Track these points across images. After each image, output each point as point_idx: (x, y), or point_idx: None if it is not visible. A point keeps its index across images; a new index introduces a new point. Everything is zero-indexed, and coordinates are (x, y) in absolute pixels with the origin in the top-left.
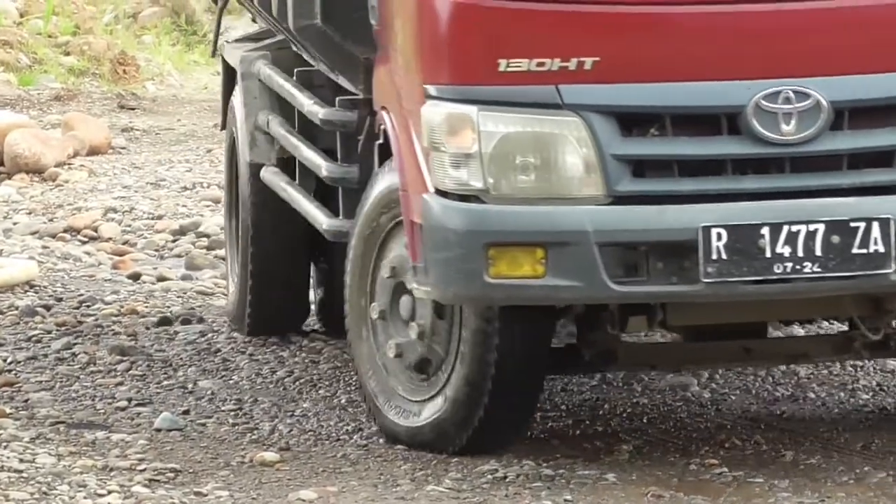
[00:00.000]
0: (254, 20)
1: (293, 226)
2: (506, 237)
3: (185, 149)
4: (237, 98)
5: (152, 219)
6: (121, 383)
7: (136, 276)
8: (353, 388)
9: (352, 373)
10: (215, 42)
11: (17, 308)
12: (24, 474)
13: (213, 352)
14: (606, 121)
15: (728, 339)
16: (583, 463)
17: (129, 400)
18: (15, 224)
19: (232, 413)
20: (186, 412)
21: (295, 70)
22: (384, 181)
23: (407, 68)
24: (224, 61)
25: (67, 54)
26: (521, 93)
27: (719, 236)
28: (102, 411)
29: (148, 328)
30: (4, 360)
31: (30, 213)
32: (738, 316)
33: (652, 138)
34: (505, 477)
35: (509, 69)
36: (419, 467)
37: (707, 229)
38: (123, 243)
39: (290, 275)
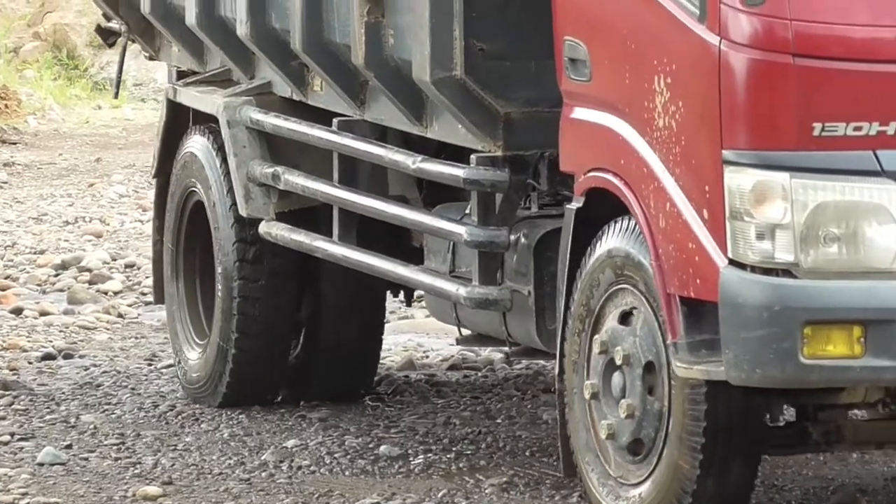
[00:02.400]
0: (150, 58)
1: (285, 279)
2: (826, 315)
3: (67, 183)
4: (201, 145)
5: (34, 253)
6: (3, 418)
7: (18, 311)
8: (234, 422)
9: (235, 407)
10: (118, 84)
11: None
12: None
13: (96, 386)
14: None
15: None
16: (463, 496)
17: (12, 434)
18: None
19: (115, 447)
20: (69, 446)
21: (335, 120)
22: (600, 249)
23: (681, 131)
24: (172, 102)
25: None
26: (837, 159)
27: None
28: None
29: (30, 362)
30: None
31: None
32: None
33: None
34: None
35: (824, 134)
36: (301, 501)
37: None
38: (5, 278)
39: (276, 341)
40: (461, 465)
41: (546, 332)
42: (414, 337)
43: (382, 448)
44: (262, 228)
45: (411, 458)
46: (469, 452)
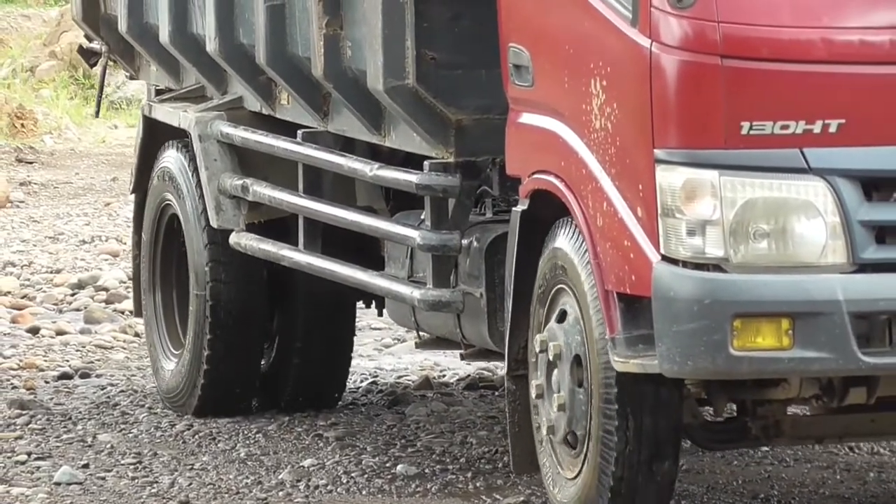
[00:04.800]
0: (131, 77)
1: (257, 291)
2: (755, 307)
3: (83, 202)
4: (176, 160)
5: (51, 272)
6: (20, 437)
7: (35, 330)
8: (251, 441)
9: (252, 426)
10: (98, 103)
11: None
12: None
13: (113, 405)
14: (852, 185)
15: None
16: None
17: (29, 454)
18: None
19: (131, 466)
20: (86, 466)
21: (299, 131)
22: (547, 249)
23: (615, 132)
24: (147, 119)
25: None
26: (764, 157)
27: None
28: (2, 465)
29: (47, 382)
30: None
31: None
32: None
33: (895, 203)
34: None
35: (752, 132)
36: None
37: None
38: (22, 297)
39: (249, 350)
40: (478, 484)
41: (498, 333)
42: (431, 356)
43: (399, 467)
44: (233, 239)
45: (428, 478)
46: (486, 472)
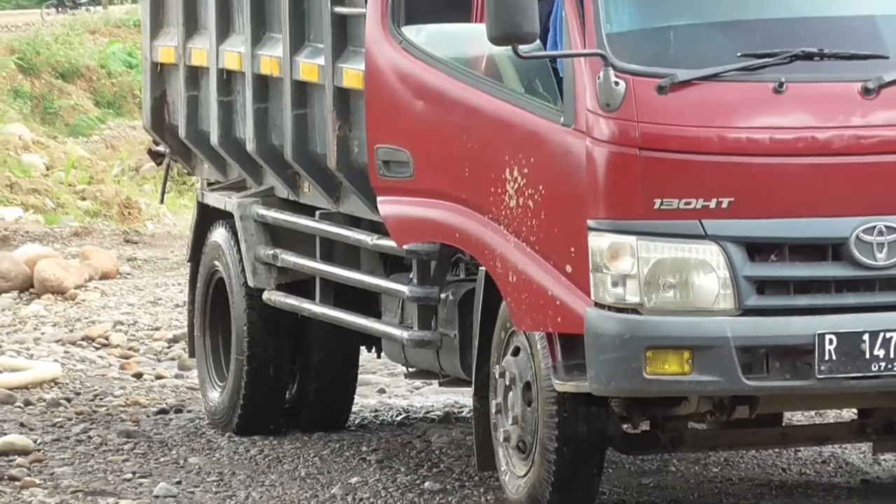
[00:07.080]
0: (189, 174)
1: (283, 338)
2: (663, 342)
3: (178, 274)
4: (222, 235)
5: (152, 329)
6: (127, 460)
7: (138, 375)
8: (310, 463)
9: (310, 451)
10: (163, 193)
11: (44, 400)
12: None
13: (200, 434)
14: (739, 249)
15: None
16: None
17: (134, 473)
18: (42, 334)
19: (215, 483)
20: (179, 483)
21: (317, 212)
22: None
23: (539, 208)
24: (201, 204)
25: (84, 199)
26: (672, 226)
27: (831, 341)
28: (112, 482)
29: (148, 416)
30: (35, 442)
31: (54, 325)
32: (808, 406)
33: (772, 263)
34: None
35: (662, 207)
36: None
37: (822, 336)
38: (129, 349)
39: (277, 384)
40: (489, 497)
41: (467, 365)
42: (452, 396)
43: (427, 484)
44: (265, 296)
45: (450, 493)
46: (496, 487)
